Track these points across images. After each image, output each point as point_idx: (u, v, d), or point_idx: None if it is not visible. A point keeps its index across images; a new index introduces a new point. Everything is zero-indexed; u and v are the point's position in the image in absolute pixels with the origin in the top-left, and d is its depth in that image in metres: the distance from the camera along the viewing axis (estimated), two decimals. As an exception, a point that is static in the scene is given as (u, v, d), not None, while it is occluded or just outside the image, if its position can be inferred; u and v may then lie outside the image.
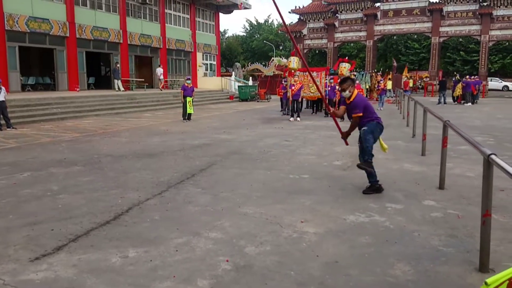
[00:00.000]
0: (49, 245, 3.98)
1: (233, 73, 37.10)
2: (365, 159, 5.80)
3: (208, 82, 33.70)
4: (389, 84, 29.88)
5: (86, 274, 3.40)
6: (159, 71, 27.80)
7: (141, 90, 26.30)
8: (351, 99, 5.92)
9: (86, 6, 23.78)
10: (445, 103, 24.77)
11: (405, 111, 14.97)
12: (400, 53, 52.75)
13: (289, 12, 43.15)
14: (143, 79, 28.21)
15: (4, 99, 12.68)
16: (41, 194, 5.77)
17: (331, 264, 3.58)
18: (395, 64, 38.88)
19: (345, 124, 6.75)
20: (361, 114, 5.81)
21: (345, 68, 19.01)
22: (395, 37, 50.65)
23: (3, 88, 12.79)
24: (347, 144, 6.61)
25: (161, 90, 26.76)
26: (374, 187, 5.82)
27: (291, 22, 47.64)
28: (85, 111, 17.65)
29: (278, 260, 3.68)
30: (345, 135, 6.37)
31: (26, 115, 15.09)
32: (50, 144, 10.14)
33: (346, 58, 22.08)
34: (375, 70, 35.04)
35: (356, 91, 5.97)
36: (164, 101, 23.23)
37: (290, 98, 16.81)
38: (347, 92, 5.89)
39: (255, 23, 67.17)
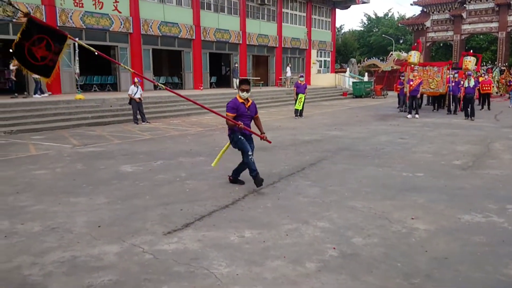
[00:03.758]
0: (179, 222, 4.60)
1: (348, 69, 36.52)
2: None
3: (321, 79, 33.72)
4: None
5: (209, 248, 3.89)
6: (289, 70, 28.81)
7: (257, 88, 27.41)
8: (251, 102, 5.97)
9: (211, 10, 25.58)
10: None
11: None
12: (540, 44, 46.40)
13: (411, 4, 40.98)
14: (259, 78, 29.36)
15: (140, 97, 14.37)
16: (172, 179, 6.57)
17: (440, 259, 3.56)
18: None
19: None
20: None
21: (470, 62, 17.57)
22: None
23: (139, 87, 14.50)
24: (270, 142, 6.37)
25: (287, 87, 27.68)
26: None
27: (414, 15, 45.12)
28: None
29: (385, 251, 3.77)
30: (264, 136, 6.09)
31: (158, 111, 16.89)
32: (178, 137, 11.30)
33: (471, 51, 20.32)
34: (506, 64, 31.53)
35: None
36: (278, 98, 23.95)
37: (407, 94, 16.12)
38: (248, 94, 5.86)
39: (374, 17, 64.95)
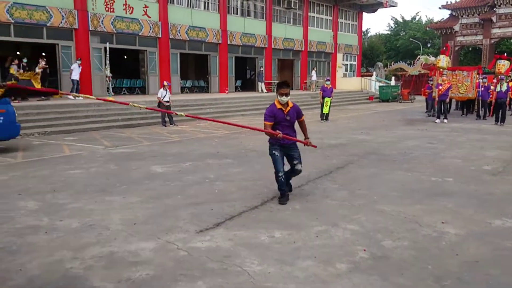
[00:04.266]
0: (210, 221, 4.73)
1: (374, 73, 36.17)
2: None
3: (347, 83, 33.51)
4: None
5: (240, 247, 3.99)
6: (314, 73, 28.88)
7: (282, 91, 27.46)
8: (291, 106, 5.41)
9: (237, 14, 25.84)
10: None
11: None
12: None
13: (440, 7, 40.31)
14: (285, 81, 29.37)
15: (168, 100, 14.67)
16: (201, 180, 6.72)
17: (471, 263, 3.57)
18: None
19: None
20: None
21: (503, 66, 17.18)
22: None
23: (167, 90, 14.79)
24: (315, 146, 6.05)
25: (313, 91, 27.67)
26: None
27: (442, 18, 44.36)
28: (233, 111, 19.27)
29: (415, 255, 3.79)
30: (308, 141, 5.62)
31: (185, 114, 17.15)
32: (205, 140, 11.49)
33: (505, 54, 19.86)
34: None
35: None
36: (303, 102, 23.93)
37: (436, 99, 15.90)
38: (287, 98, 5.31)
39: (401, 21, 64.12)
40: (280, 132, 5.22)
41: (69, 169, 7.55)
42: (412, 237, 4.22)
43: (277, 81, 28.08)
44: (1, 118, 9.04)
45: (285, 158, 5.54)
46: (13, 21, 16.16)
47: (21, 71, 15.51)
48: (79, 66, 17.02)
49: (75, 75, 16.92)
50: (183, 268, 3.55)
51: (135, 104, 5.46)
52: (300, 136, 5.66)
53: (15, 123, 9.43)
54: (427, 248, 3.93)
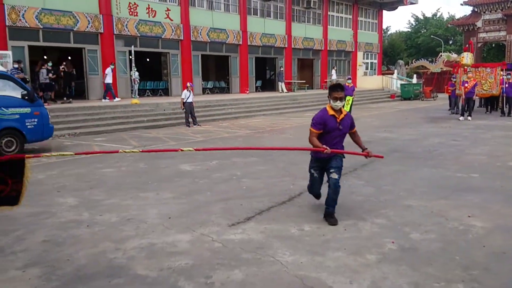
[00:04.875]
0: (241, 215, 4.92)
1: (395, 71, 35.87)
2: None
3: (368, 81, 33.33)
4: None
5: (272, 239, 4.17)
6: (334, 72, 28.95)
7: (302, 91, 27.57)
8: (344, 114, 4.65)
9: (257, 15, 26.05)
10: None
11: None
12: None
13: (461, 4, 39.67)
14: (304, 81, 29.48)
15: (192, 101, 14.96)
16: (228, 177, 6.93)
17: (498, 254, 3.66)
18: None
19: None
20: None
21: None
22: None
23: (191, 91, 15.09)
24: (381, 157, 5.29)
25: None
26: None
27: (465, 15, 43.63)
28: (254, 111, 19.48)
29: (443, 246, 3.90)
30: (369, 152, 4.74)
31: (207, 114, 17.46)
32: (229, 139, 11.71)
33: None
34: None
35: None
36: (324, 101, 23.82)
37: (463, 96, 15.77)
38: (342, 103, 4.55)
39: (422, 18, 63.26)
40: (328, 148, 4.39)
41: (101, 168, 7.86)
42: (439, 230, 4.33)
43: (298, 81, 28.34)
44: (36, 120, 9.47)
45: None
46: (41, 27, 16.72)
47: (50, 74, 16.05)
48: (111, 70, 17.57)
49: (109, 79, 17.44)
50: (219, 258, 3.75)
51: (126, 151, 4.60)
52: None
53: (49, 125, 9.84)
54: (454, 240, 4.04)
